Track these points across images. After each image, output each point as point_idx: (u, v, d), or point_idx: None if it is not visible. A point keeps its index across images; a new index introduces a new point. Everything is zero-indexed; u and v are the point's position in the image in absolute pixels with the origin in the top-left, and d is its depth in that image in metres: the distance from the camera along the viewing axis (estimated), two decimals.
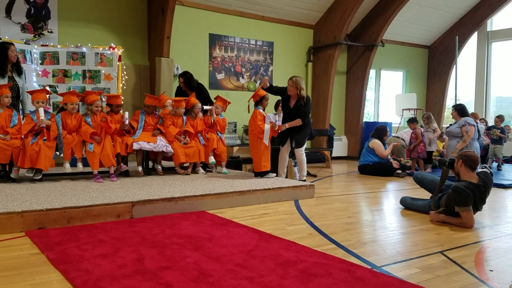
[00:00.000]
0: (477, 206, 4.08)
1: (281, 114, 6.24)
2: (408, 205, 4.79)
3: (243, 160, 7.54)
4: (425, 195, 4.95)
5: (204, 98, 6.78)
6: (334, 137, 10.25)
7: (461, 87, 11.87)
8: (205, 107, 6.55)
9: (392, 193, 6.08)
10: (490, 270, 2.84)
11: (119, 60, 7.02)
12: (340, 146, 10.89)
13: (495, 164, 9.27)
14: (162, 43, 7.85)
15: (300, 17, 10.12)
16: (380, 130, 7.94)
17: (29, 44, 6.61)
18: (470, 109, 10.34)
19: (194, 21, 8.72)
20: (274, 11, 9.62)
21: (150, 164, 6.17)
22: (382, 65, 11.92)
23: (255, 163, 5.88)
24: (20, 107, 5.65)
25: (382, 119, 12.07)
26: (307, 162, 6.51)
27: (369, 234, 3.75)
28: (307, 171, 6.94)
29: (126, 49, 7.79)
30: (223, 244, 3.23)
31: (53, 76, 6.75)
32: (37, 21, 7.19)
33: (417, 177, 4.99)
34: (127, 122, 5.63)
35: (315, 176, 7.62)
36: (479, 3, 11.68)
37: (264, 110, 6.01)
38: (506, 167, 9.43)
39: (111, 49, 6.99)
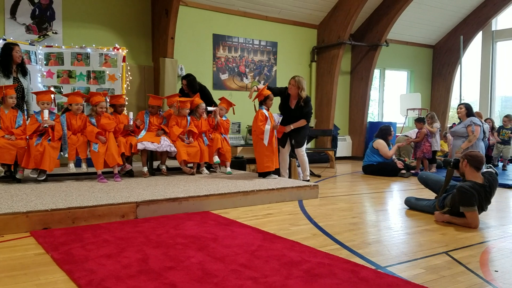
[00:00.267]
0: (482, 206, 4.07)
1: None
2: (413, 205, 4.78)
3: (247, 160, 7.55)
4: (430, 195, 4.94)
5: (207, 99, 6.77)
6: (338, 137, 10.22)
7: (466, 86, 11.83)
8: (209, 108, 6.56)
9: (397, 193, 6.06)
10: (495, 271, 2.83)
11: (124, 60, 7.05)
12: (344, 146, 10.86)
13: (500, 164, 9.22)
14: (166, 44, 7.87)
15: (304, 17, 10.11)
16: (384, 130, 7.92)
17: (34, 45, 6.65)
18: (475, 108, 10.27)
19: (198, 21, 8.73)
20: (278, 11, 9.62)
21: (155, 164, 6.18)
22: (387, 65, 11.88)
23: (258, 164, 5.87)
24: (25, 107, 5.69)
25: (386, 119, 12.04)
26: (311, 163, 6.50)
27: (374, 235, 3.74)
28: (311, 171, 6.92)
29: (130, 49, 7.81)
30: (227, 244, 3.23)
31: (58, 76, 6.78)
32: (41, 22, 7.22)
33: (422, 177, 4.97)
34: (131, 122, 5.66)
35: (319, 176, 7.60)
36: (483, 3, 11.61)
37: (268, 110, 5.99)
38: (511, 167, 9.37)
39: (115, 50, 7.02)
